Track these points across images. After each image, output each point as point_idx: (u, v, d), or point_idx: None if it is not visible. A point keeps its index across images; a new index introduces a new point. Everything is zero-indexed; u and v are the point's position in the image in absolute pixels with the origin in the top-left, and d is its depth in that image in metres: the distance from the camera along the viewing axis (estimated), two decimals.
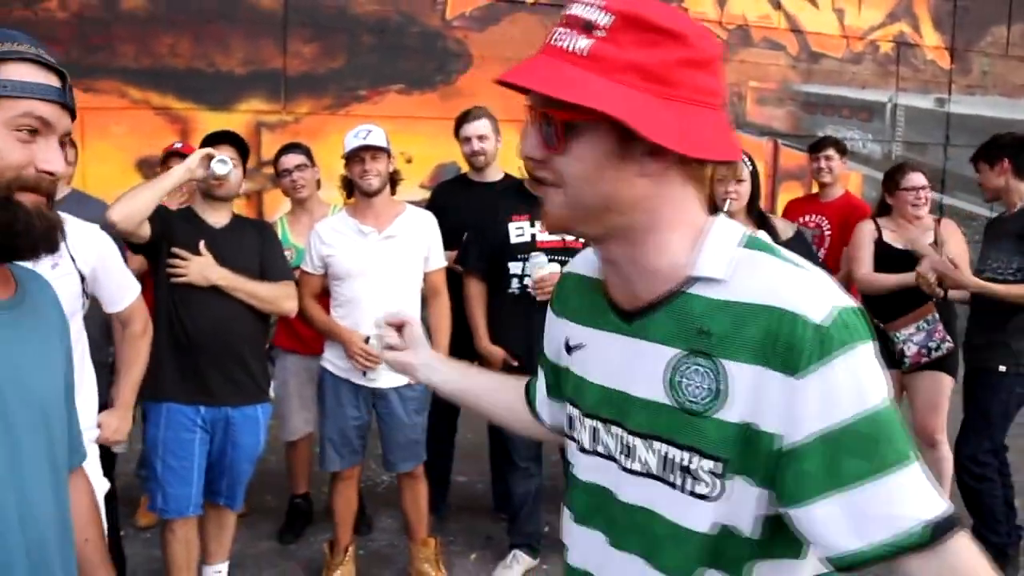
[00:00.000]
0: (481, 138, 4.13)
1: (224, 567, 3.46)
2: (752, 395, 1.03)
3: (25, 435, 1.29)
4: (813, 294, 1.02)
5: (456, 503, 4.63)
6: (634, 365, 1.13)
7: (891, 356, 4.15)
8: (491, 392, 1.56)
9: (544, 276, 3.51)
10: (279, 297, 3.25)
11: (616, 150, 1.04)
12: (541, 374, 1.44)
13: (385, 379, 3.48)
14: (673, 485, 1.10)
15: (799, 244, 3.97)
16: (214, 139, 3.23)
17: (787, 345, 1.00)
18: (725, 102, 1.09)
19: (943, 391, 4.15)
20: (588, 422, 1.21)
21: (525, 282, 3.65)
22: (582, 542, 1.25)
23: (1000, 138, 3.95)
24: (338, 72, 6.80)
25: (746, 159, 3.70)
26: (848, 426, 0.98)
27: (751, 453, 1.04)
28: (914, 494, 0.98)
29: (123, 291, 2.82)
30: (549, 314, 1.37)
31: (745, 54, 8.02)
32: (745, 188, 3.63)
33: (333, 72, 6.81)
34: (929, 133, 8.73)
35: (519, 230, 3.68)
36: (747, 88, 8.08)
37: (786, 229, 3.92)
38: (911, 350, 4.13)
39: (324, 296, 3.60)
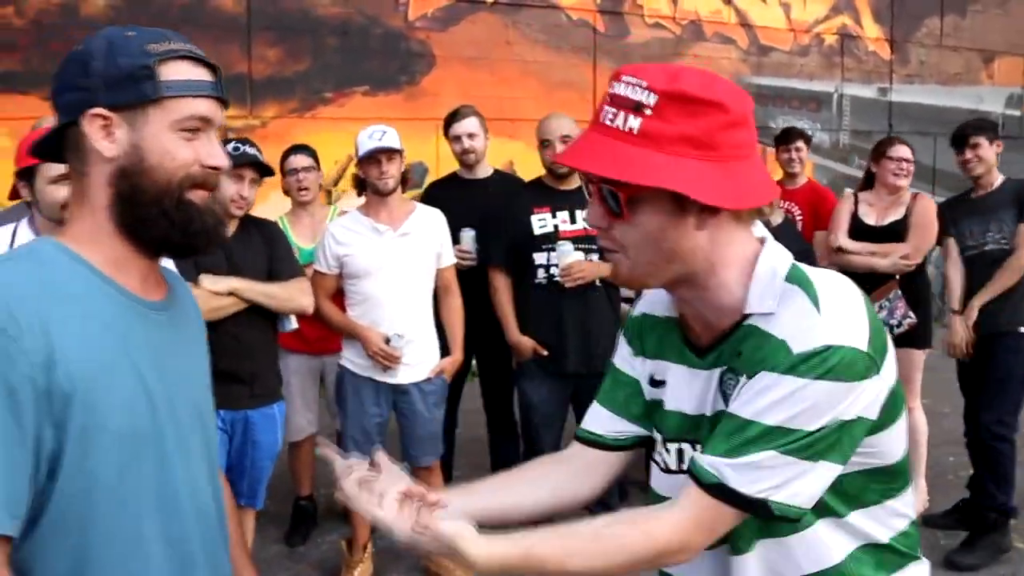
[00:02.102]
0: (471, 136, 4.20)
1: None
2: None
3: (188, 433, 1.32)
4: (809, 332, 1.17)
5: None
6: (706, 391, 1.29)
7: None
8: (524, 493, 1.49)
9: (571, 263, 3.62)
10: (293, 294, 3.26)
11: (674, 212, 1.18)
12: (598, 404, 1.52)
13: (405, 374, 3.54)
14: None
15: (787, 229, 4.15)
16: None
17: (763, 361, 1.19)
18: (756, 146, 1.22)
19: (915, 365, 4.41)
20: (673, 446, 1.36)
21: (552, 272, 3.74)
22: None
23: (981, 120, 4.18)
24: (303, 75, 6.79)
25: None
26: (763, 432, 1.16)
27: None
28: (743, 471, 1.16)
29: None
30: (624, 347, 1.49)
31: (698, 48, 8.22)
32: None
33: (298, 75, 6.79)
34: (873, 121, 9.07)
35: (542, 221, 3.77)
36: None
37: (775, 216, 4.08)
38: None
39: (337, 296, 3.63)
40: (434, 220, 3.64)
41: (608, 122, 1.18)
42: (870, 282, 4.34)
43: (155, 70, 1.22)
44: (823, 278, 1.23)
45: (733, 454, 1.17)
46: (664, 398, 1.36)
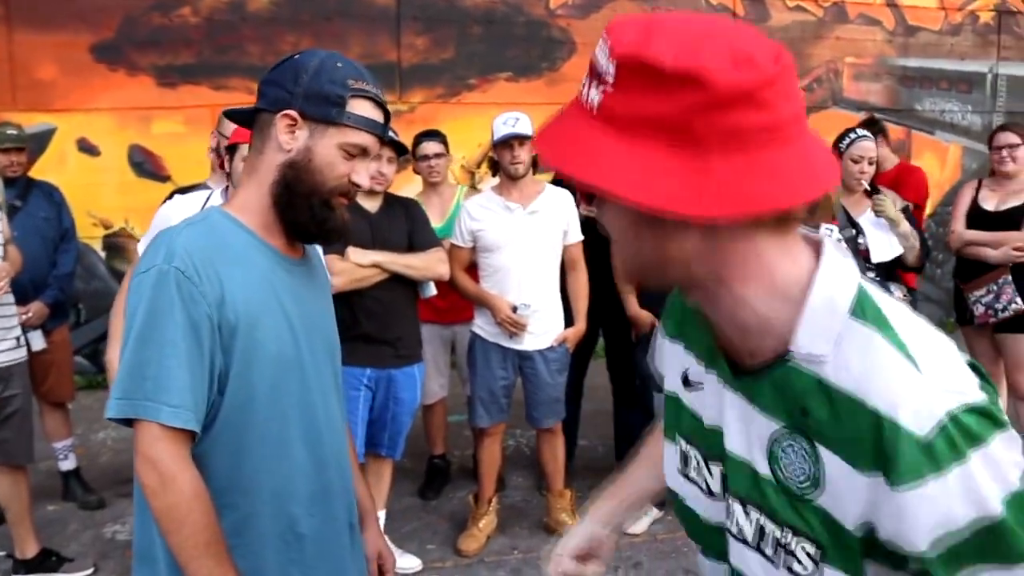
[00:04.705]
0: None
1: (382, 515, 3.82)
2: (847, 494, 0.93)
3: (321, 360, 1.66)
4: (917, 397, 0.87)
5: (580, 464, 4.94)
6: (742, 425, 1.03)
7: (966, 313, 4.56)
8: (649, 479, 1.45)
9: None
10: (431, 263, 3.57)
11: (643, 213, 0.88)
12: None
13: (530, 342, 3.81)
14: (769, 559, 1.02)
15: (906, 217, 4.18)
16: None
17: (883, 454, 0.89)
18: (793, 130, 0.89)
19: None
20: (715, 467, 1.10)
21: None
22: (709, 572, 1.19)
23: None
24: (449, 62, 7.15)
25: (869, 138, 3.96)
26: (968, 539, 0.87)
27: (847, 549, 0.95)
28: None
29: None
30: (660, 336, 1.23)
31: (841, 31, 8.10)
32: (871, 170, 3.92)
33: (444, 63, 7.16)
34: None
35: None
36: (843, 64, 8.17)
37: (896, 200, 4.12)
38: (979, 310, 4.45)
39: (471, 269, 3.93)
40: (562, 200, 3.87)
41: (581, 94, 0.92)
42: (982, 267, 4.40)
43: (347, 101, 1.53)
44: (896, 310, 0.96)
45: None
46: (702, 408, 1.10)
